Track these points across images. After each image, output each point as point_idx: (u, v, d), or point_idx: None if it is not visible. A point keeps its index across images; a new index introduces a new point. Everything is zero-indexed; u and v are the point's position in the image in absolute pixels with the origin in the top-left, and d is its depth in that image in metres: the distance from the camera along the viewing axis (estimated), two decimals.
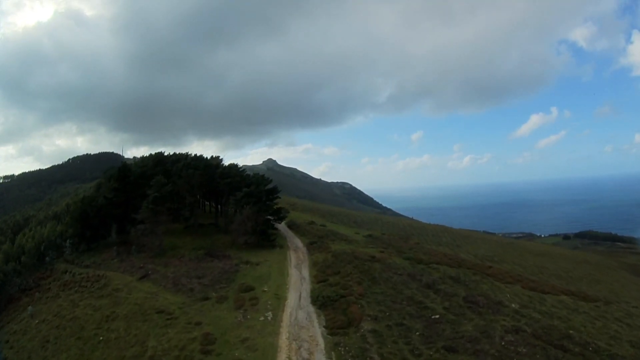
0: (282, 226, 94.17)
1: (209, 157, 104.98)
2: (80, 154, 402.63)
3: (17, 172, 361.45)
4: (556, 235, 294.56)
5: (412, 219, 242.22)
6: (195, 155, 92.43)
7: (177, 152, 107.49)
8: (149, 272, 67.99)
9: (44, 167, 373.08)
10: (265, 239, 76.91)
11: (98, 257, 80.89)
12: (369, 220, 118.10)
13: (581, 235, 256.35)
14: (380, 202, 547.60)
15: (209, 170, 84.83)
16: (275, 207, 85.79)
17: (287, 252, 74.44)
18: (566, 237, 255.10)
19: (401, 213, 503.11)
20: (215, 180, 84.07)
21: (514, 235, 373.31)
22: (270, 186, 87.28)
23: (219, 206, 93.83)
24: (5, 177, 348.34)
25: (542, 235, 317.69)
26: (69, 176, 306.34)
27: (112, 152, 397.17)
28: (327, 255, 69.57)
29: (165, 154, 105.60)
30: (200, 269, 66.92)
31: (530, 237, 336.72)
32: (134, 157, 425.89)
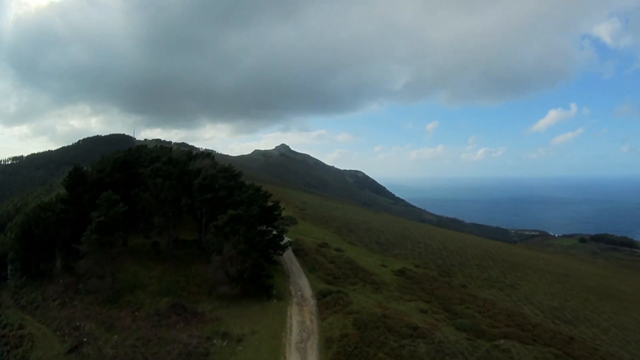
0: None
1: (194, 154, 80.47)
2: (95, 134, 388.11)
3: (30, 152, 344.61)
4: (571, 236, 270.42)
5: (443, 227, 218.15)
6: (171, 157, 64.02)
7: (153, 148, 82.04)
8: (84, 340, 44.34)
9: (59, 147, 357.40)
10: (257, 287, 51.49)
11: (40, 292, 59.75)
12: (394, 236, 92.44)
13: (597, 239, 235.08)
14: (392, 192, 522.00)
15: (184, 178, 59.28)
16: (275, 231, 60.61)
17: (288, 309, 49.31)
18: (582, 239, 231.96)
19: (413, 204, 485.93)
20: (193, 194, 58.80)
21: (528, 233, 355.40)
22: (269, 201, 62.25)
23: (204, 220, 68.43)
24: (14, 159, 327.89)
25: (556, 235, 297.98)
26: (78, 158, 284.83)
27: (124, 134, 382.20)
28: (347, 322, 44.62)
29: (136, 153, 78.95)
30: (155, 341, 42.39)
31: (544, 236, 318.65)
32: (145, 139, 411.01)
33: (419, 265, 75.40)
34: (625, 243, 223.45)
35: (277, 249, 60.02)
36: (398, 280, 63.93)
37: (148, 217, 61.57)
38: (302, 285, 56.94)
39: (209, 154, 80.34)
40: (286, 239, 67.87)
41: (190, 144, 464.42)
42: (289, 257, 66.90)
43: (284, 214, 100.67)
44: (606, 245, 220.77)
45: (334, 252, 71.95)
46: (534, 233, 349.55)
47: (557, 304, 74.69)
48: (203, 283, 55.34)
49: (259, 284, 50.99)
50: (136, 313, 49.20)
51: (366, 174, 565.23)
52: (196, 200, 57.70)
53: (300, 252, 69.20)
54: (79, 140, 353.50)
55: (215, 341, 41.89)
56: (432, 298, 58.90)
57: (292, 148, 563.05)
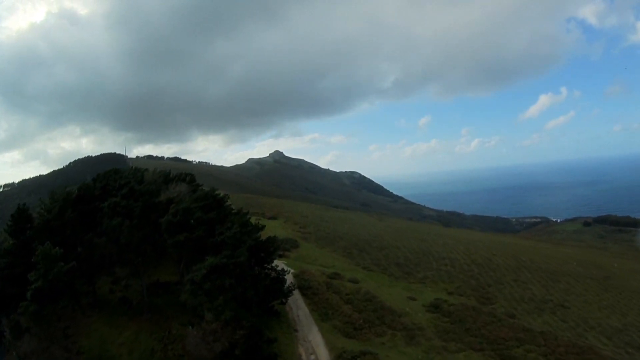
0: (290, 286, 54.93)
1: (173, 176, 66.10)
2: (86, 155, 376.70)
3: (23, 178, 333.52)
4: (573, 220, 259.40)
5: (453, 226, 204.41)
6: (133, 187, 47.67)
7: (126, 172, 67.04)
8: None
9: (51, 170, 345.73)
10: None
11: None
12: (414, 253, 77.60)
13: (600, 221, 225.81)
14: (390, 190, 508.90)
15: (150, 214, 43.95)
16: (273, 273, 45.94)
17: None
18: (586, 223, 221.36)
19: (412, 200, 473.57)
20: (162, 236, 43.77)
21: (529, 220, 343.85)
22: (263, 235, 47.75)
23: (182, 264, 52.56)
24: (6, 186, 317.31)
25: (558, 220, 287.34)
26: (70, 181, 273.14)
27: (115, 153, 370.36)
28: None
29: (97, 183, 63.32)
30: None
31: (546, 222, 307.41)
32: (137, 157, 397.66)
33: (452, 292, 61.01)
34: (629, 223, 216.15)
35: (278, 297, 45.56)
36: (434, 320, 49.51)
37: (109, 268, 46.91)
38: (314, 343, 42.27)
39: (187, 177, 65.67)
40: (289, 280, 52.97)
41: (183, 157, 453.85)
42: (293, 298, 52.39)
43: (282, 232, 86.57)
44: (611, 227, 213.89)
45: (348, 284, 57.27)
46: (535, 220, 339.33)
47: (618, 323, 60.80)
48: (186, 354, 40.96)
49: (258, 356, 36.39)
50: None
51: (362, 174, 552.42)
52: (166, 244, 42.89)
53: (307, 290, 54.58)
54: (70, 163, 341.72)
55: None
56: (483, 342, 44.69)
57: (286, 154, 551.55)
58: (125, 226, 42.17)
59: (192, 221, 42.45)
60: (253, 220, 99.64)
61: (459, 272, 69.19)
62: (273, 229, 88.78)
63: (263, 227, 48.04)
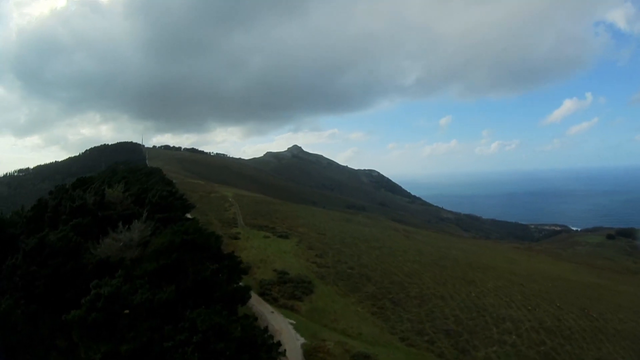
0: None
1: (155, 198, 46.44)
2: (105, 142, 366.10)
3: (38, 163, 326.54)
4: (594, 230, 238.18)
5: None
6: (43, 243, 29.14)
7: (69, 195, 47.62)
8: None
9: (71, 155, 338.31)
10: None
11: None
12: (466, 311, 56.47)
13: (624, 234, 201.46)
14: (408, 190, 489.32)
15: (60, 288, 24.08)
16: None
17: None
18: (610, 236, 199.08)
19: (429, 201, 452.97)
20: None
21: (548, 228, 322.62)
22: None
23: None
24: (20, 171, 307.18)
25: (578, 230, 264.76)
26: (85, 168, 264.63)
27: (132, 142, 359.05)
28: None
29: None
30: None
31: (566, 230, 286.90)
32: (153, 146, 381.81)
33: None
34: None
35: None
36: None
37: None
38: None
39: (168, 196, 46.36)
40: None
41: (201, 148, 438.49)
42: None
43: (294, 263, 67.21)
44: (636, 242, 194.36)
45: None
46: (555, 228, 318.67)
47: None
48: None
49: None
50: None
51: (381, 172, 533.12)
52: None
53: None
54: (86, 150, 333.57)
55: None
56: None
57: (305, 148, 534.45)
58: (18, 315, 22.94)
59: (126, 312, 22.61)
60: (260, 240, 78.03)
61: (528, 347, 48.77)
62: (282, 258, 69.69)
63: (248, 295, 28.24)
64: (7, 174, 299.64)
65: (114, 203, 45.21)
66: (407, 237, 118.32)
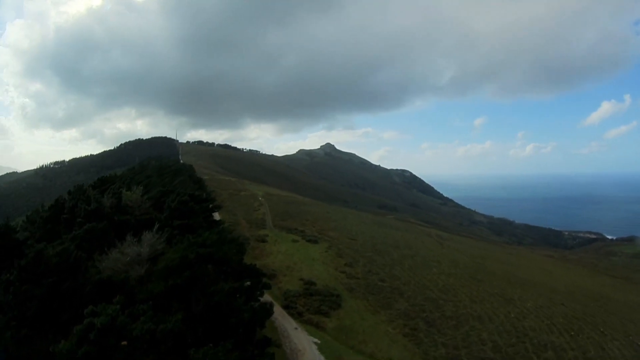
0: None
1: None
2: (142, 137, 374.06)
3: (73, 156, 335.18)
4: (630, 240, 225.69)
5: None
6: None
7: (84, 197, 45.96)
8: None
9: (107, 149, 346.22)
10: None
11: None
12: (505, 336, 53.69)
13: None
14: (440, 192, 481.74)
15: (54, 312, 22.31)
16: None
17: None
18: None
19: (461, 204, 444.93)
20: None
21: (582, 236, 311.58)
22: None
23: None
24: (56, 163, 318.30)
25: (613, 238, 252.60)
26: (119, 162, 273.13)
27: (166, 137, 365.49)
28: None
29: None
30: None
31: (601, 238, 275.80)
32: (187, 142, 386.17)
33: None
34: None
35: None
36: None
37: None
38: None
39: (189, 201, 44.69)
40: None
41: (234, 144, 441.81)
42: None
43: (322, 273, 64.91)
44: None
45: None
46: (589, 236, 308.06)
47: None
48: None
49: None
50: None
51: (413, 172, 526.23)
52: None
53: None
54: (121, 144, 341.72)
55: None
56: None
57: (338, 146, 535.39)
58: (8, 338, 21.35)
59: (123, 344, 20.54)
60: (287, 244, 75.30)
61: None
62: (310, 265, 67.33)
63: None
64: (43, 165, 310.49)
65: (132, 207, 43.86)
66: (440, 245, 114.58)
